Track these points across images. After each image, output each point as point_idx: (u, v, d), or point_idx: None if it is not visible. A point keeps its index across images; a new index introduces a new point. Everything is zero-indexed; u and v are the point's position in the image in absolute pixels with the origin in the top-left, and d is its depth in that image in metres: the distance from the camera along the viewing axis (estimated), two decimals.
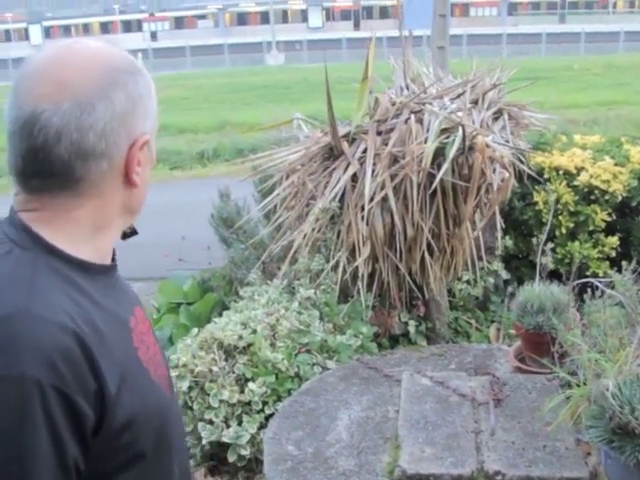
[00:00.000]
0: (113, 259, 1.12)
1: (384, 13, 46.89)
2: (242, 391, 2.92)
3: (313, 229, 3.44)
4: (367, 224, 3.32)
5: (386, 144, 3.34)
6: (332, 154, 3.55)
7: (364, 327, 3.31)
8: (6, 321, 0.89)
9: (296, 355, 3.08)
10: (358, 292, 3.35)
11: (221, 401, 2.89)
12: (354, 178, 3.40)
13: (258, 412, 2.86)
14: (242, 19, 53.82)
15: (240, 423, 2.84)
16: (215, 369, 2.98)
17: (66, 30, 57.35)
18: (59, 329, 0.91)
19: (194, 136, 15.97)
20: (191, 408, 2.93)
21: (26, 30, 57.46)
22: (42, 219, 1.01)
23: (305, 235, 3.37)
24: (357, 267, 3.32)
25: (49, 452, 0.89)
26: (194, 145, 14.39)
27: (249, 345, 3.07)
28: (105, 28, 57.02)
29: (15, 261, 0.96)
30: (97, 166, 0.99)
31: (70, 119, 0.95)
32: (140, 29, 55.91)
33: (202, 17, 54.68)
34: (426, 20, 6.14)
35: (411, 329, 3.62)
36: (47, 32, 56.70)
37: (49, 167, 0.98)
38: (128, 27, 56.63)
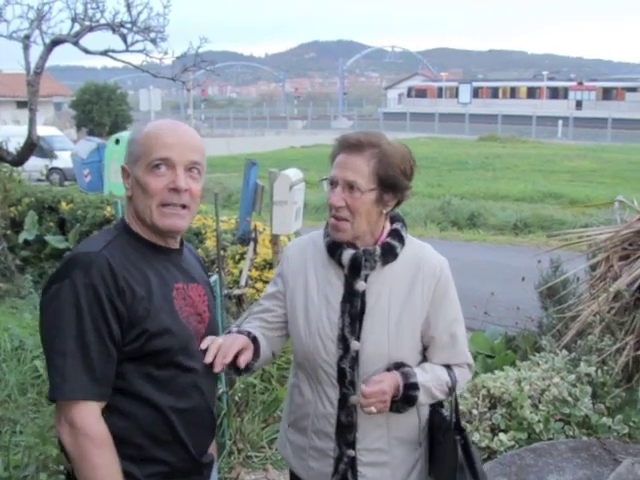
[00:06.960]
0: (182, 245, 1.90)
1: None
2: (492, 439, 3.15)
3: (609, 310, 3.49)
4: None
5: None
6: None
7: (637, 416, 3.26)
8: (87, 255, 1.66)
9: (555, 422, 3.20)
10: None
11: (472, 442, 3.15)
12: None
13: None
14: None
15: None
16: (475, 412, 3.26)
17: (494, 92, 60.26)
18: (107, 262, 1.66)
19: (584, 209, 15.72)
20: None
21: (457, 89, 61.83)
22: (130, 215, 1.80)
23: (594, 313, 3.44)
24: None
25: (101, 321, 1.60)
26: (581, 218, 14.20)
27: (513, 400, 3.28)
28: (532, 93, 58.39)
29: (108, 233, 1.78)
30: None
31: None
32: (566, 97, 55.99)
33: (632, 90, 52.59)
34: None
35: None
36: (475, 92, 60.21)
37: None
38: (555, 94, 57.08)
